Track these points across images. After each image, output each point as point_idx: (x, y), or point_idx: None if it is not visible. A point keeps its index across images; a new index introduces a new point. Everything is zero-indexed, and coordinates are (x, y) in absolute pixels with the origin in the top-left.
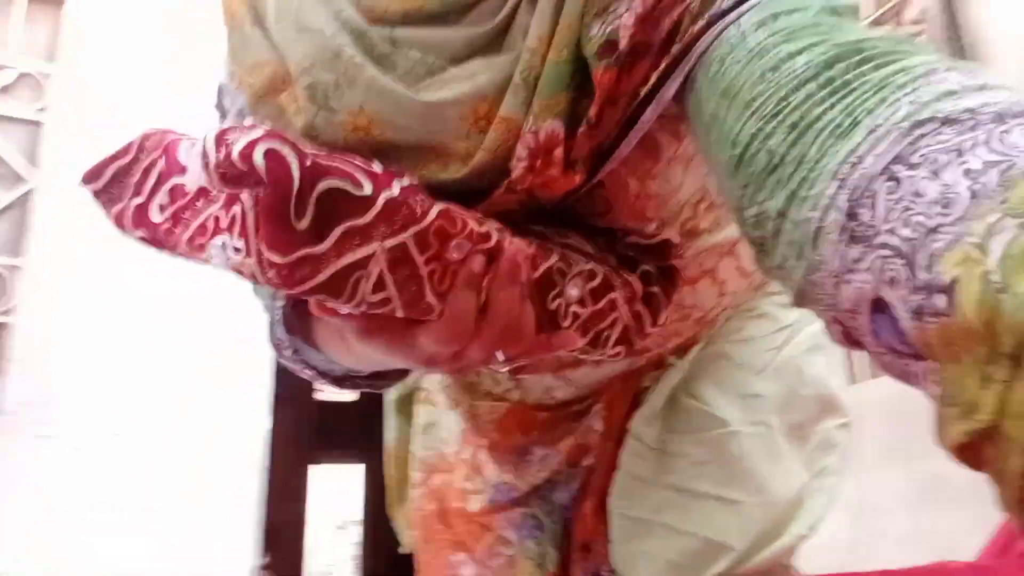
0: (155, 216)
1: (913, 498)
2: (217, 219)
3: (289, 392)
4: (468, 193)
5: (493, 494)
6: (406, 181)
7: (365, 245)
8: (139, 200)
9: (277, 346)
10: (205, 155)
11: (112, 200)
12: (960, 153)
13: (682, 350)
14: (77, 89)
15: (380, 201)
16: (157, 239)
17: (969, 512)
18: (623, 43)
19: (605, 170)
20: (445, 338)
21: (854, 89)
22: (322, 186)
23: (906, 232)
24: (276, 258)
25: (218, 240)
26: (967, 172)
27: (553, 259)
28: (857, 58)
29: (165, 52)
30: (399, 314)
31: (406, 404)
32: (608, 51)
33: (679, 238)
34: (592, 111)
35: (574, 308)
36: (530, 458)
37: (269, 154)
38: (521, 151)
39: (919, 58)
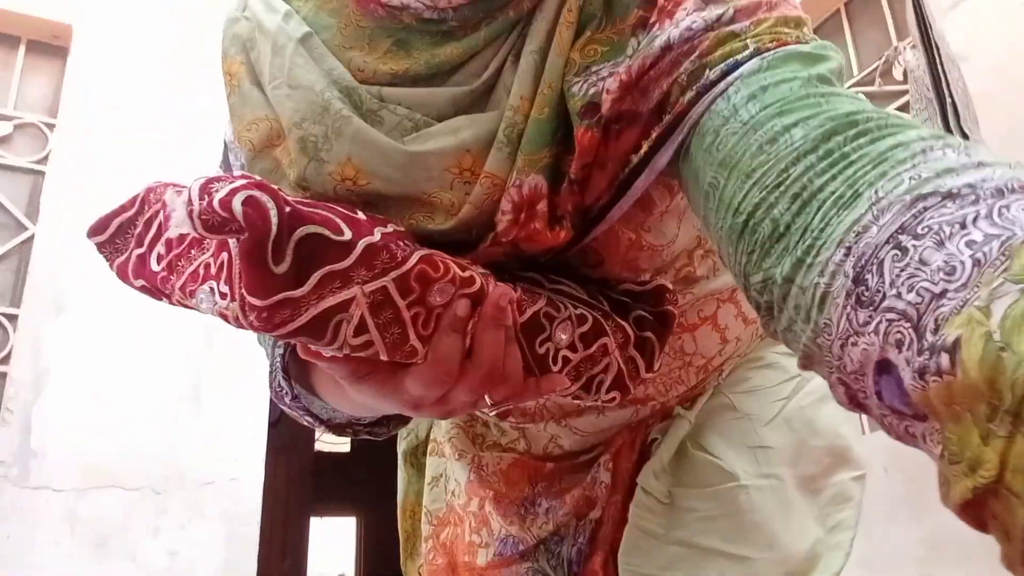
0: (153, 265)
1: (922, 554)
2: (207, 266)
3: (285, 444)
4: (456, 245)
5: (500, 547)
6: (389, 228)
7: (345, 289)
8: (140, 251)
9: (278, 394)
10: (190, 203)
11: (115, 252)
12: (963, 226)
13: (689, 400)
14: (79, 140)
15: (360, 246)
16: (155, 288)
17: (978, 568)
18: (606, 107)
19: (597, 231)
20: (430, 381)
21: (853, 162)
22: (301, 232)
23: (912, 297)
24: (256, 301)
25: (206, 286)
26: (969, 243)
27: (540, 303)
28: (853, 131)
29: (168, 103)
30: (383, 357)
31: (416, 456)
32: (590, 113)
33: (675, 284)
34: (573, 168)
35: (564, 352)
36: (536, 510)
37: (248, 201)
38: (506, 205)
39: (914, 132)
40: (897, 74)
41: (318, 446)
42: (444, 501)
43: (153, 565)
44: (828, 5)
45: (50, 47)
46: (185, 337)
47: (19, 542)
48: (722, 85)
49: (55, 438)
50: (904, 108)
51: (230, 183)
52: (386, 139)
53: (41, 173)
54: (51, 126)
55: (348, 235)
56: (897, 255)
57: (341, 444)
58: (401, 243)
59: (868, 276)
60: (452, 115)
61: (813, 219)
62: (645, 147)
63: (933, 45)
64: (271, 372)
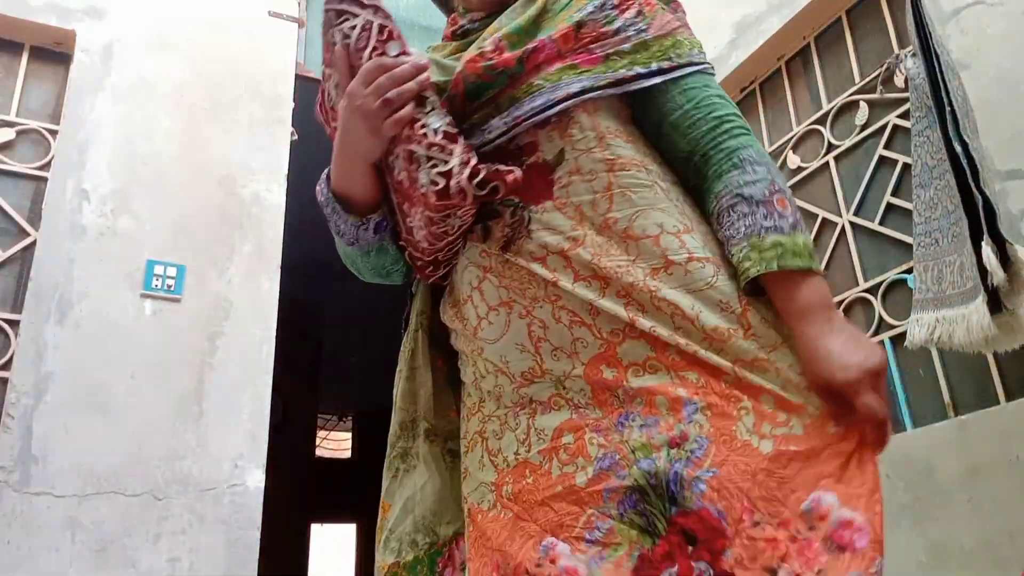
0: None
1: (925, 560)
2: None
3: (287, 451)
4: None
5: (599, 464)
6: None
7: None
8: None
9: (323, 204)
10: None
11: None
12: (744, 215)
13: None
14: (81, 146)
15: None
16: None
17: (981, 575)
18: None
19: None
20: (361, 79)
21: (727, 146)
22: None
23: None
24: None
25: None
26: (743, 221)
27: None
28: (730, 126)
29: (170, 110)
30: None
31: (441, 457)
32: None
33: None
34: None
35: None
36: (631, 424)
37: None
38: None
39: (752, 146)
40: (898, 81)
41: (319, 453)
42: (508, 461)
43: (154, 571)
44: (829, 13)
45: (53, 53)
46: (186, 343)
47: (20, 548)
48: (677, 73)
49: (56, 444)
50: (906, 115)
51: None
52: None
53: (43, 179)
54: (53, 132)
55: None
56: (727, 214)
57: (342, 451)
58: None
59: (720, 218)
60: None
61: (710, 171)
62: (587, 79)
63: (933, 53)
64: (321, 188)
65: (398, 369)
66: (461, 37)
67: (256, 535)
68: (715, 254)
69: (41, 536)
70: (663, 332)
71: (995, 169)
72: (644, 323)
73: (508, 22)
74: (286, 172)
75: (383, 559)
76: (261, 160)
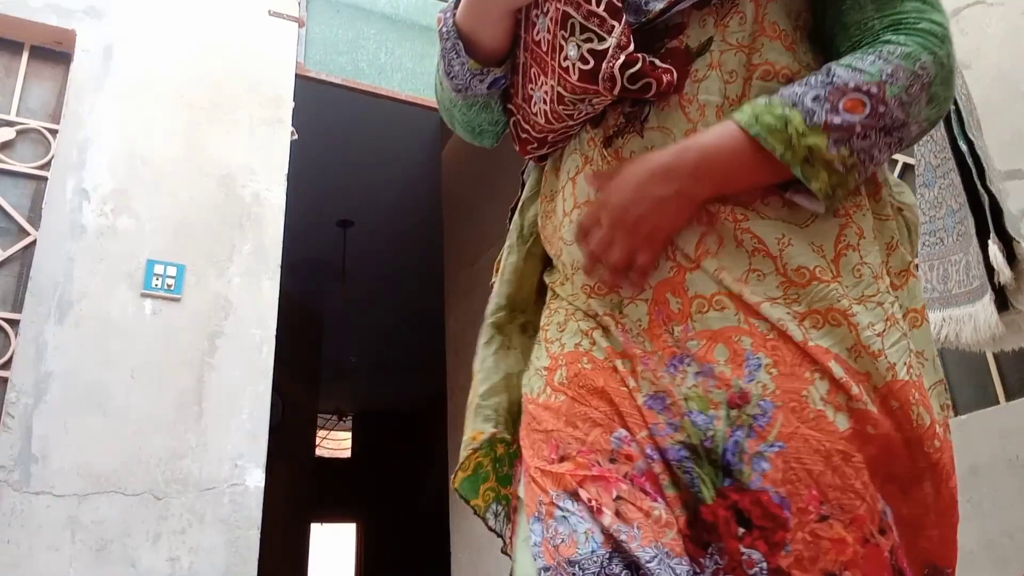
0: None
1: None
2: None
3: (287, 450)
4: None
5: (648, 401)
6: None
7: None
8: None
9: (443, 35)
10: None
11: None
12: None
13: None
14: (82, 145)
15: None
16: None
17: (981, 575)
18: None
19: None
20: None
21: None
22: None
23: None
24: None
25: None
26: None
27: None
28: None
29: (170, 110)
30: None
31: (510, 333)
32: None
33: None
34: None
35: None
36: (686, 368)
37: None
38: None
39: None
40: None
41: (319, 452)
42: (564, 346)
43: (154, 571)
44: None
45: (53, 53)
46: (186, 343)
47: (19, 547)
48: None
49: (56, 443)
50: None
51: None
52: None
53: (43, 179)
54: (53, 132)
55: None
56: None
57: (342, 451)
58: None
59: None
60: None
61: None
62: None
63: None
64: (443, 27)
65: (509, 244)
66: None
67: (256, 534)
68: None
69: (41, 535)
70: (735, 272)
71: (995, 169)
72: (712, 262)
73: None
74: (286, 172)
75: (475, 427)
76: (261, 160)
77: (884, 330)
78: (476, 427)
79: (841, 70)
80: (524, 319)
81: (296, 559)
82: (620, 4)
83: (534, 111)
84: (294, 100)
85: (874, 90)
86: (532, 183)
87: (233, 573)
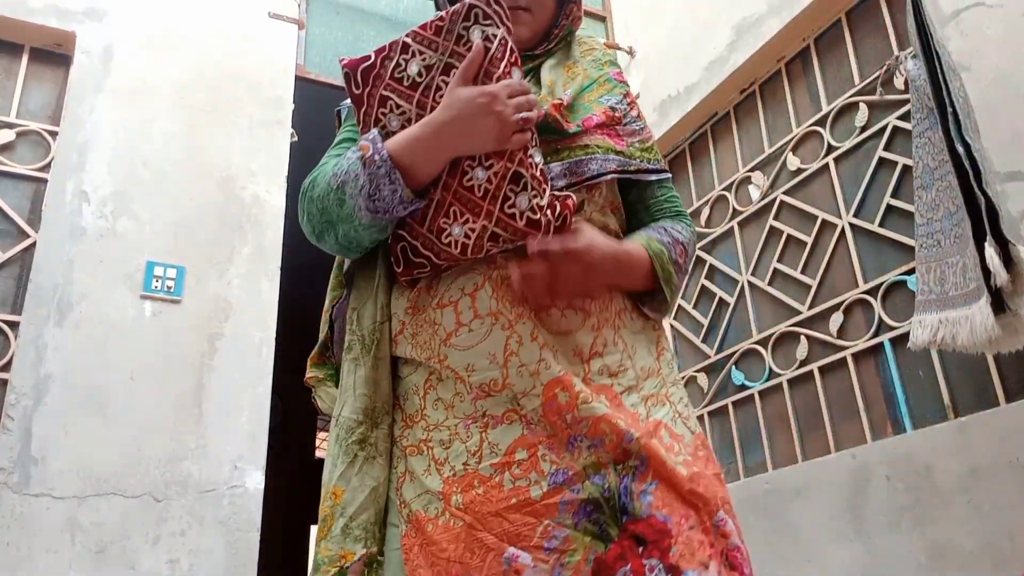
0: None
1: (924, 562)
2: None
3: (286, 452)
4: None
5: (552, 479)
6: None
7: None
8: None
9: (374, 163)
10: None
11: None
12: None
13: None
14: (81, 147)
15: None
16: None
17: None
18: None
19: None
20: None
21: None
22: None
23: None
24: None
25: None
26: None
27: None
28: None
29: (169, 112)
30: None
31: (374, 446)
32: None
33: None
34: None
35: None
36: (580, 444)
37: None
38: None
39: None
40: (898, 83)
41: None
42: (455, 471)
43: (153, 573)
44: (829, 14)
45: (53, 55)
46: (186, 345)
47: (19, 549)
48: (664, 176)
49: (55, 445)
50: (906, 117)
51: None
52: None
53: (43, 180)
54: (53, 134)
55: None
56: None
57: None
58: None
59: (667, 243)
60: None
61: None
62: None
63: (934, 54)
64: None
65: (352, 356)
66: None
67: (256, 536)
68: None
69: (40, 537)
70: (612, 367)
71: (995, 171)
72: (599, 362)
73: (556, 77)
74: (286, 173)
75: (345, 548)
76: (261, 161)
77: (686, 401)
78: (347, 547)
79: (671, 231)
80: (388, 420)
81: (295, 561)
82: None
83: (445, 242)
84: (294, 102)
85: (688, 247)
86: (362, 293)
87: (232, 574)
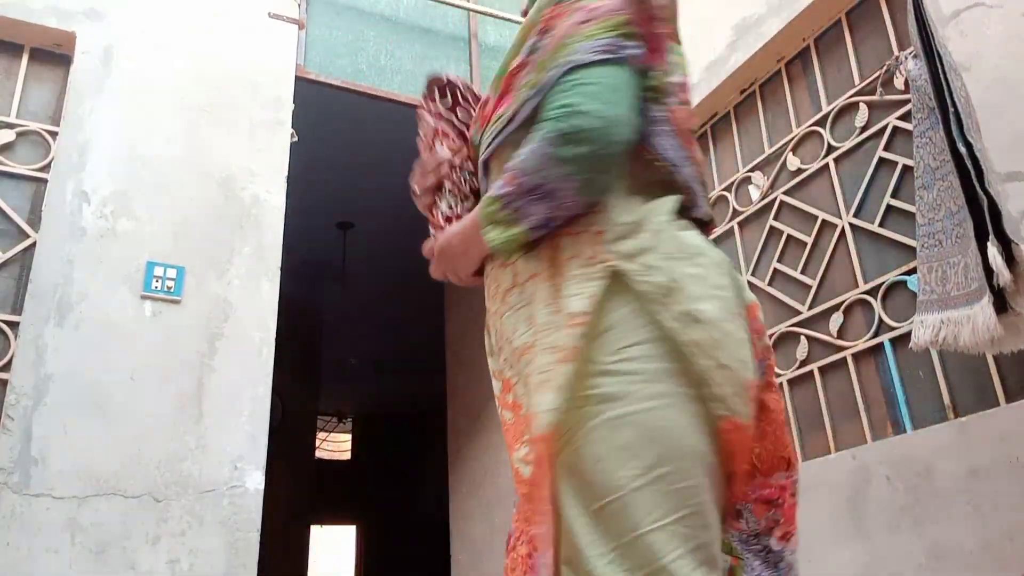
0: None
1: (924, 562)
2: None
3: (286, 452)
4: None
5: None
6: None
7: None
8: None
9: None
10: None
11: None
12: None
13: None
14: (81, 148)
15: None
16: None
17: None
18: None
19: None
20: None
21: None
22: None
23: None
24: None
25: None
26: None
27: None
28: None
29: (170, 113)
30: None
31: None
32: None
33: None
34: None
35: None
36: None
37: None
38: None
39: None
40: (898, 83)
41: (319, 454)
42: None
43: (153, 573)
44: (829, 14)
45: (53, 55)
46: (186, 345)
47: (19, 550)
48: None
49: (56, 445)
50: (906, 117)
51: None
52: None
53: (43, 181)
54: (53, 134)
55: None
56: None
57: (342, 452)
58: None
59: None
60: None
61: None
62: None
63: (935, 54)
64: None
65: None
66: None
67: (256, 536)
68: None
69: (41, 538)
70: (507, 357)
71: (995, 171)
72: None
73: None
74: (286, 174)
75: None
76: (261, 162)
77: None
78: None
79: (510, 163)
80: None
81: (296, 561)
82: (452, 213)
83: None
84: (294, 102)
85: (520, 166)
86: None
87: (233, 575)
